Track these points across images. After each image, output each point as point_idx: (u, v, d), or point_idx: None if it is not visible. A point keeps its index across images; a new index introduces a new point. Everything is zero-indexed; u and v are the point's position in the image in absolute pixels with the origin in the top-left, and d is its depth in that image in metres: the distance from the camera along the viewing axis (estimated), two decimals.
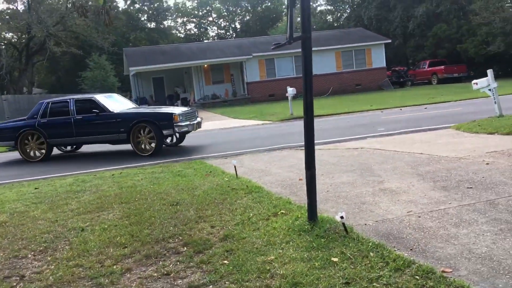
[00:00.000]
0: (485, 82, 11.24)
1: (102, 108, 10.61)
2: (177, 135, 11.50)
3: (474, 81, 11.72)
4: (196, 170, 7.67)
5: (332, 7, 54.61)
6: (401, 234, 3.68)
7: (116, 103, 11.33)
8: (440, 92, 23.50)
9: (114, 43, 43.24)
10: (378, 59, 33.35)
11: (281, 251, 3.58)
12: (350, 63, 33.11)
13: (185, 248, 3.93)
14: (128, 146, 10.88)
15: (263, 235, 4.01)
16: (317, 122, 14.59)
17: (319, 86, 31.08)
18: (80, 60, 41.41)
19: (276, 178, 6.60)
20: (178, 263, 3.62)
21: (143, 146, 10.30)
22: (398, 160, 7.01)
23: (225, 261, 3.49)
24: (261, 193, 5.59)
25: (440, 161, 6.56)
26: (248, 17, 63.56)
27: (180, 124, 10.14)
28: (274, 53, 30.27)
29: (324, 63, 31.97)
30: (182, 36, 63.23)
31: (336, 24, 52.43)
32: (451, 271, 2.86)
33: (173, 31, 63.25)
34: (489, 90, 11.26)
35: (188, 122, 10.43)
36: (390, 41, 35.11)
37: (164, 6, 57.67)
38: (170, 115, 10.14)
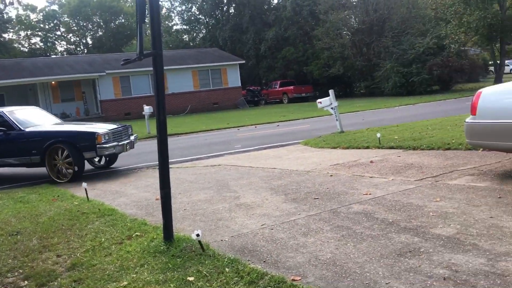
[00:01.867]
0: (328, 101, 12.32)
1: (11, 125, 8.89)
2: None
3: (318, 100, 12.79)
4: (41, 195, 7.02)
5: (188, 27, 55.22)
6: (255, 247, 3.78)
7: (31, 118, 9.58)
8: (291, 111, 25.11)
9: None
10: (233, 78, 34.52)
11: (135, 275, 3.42)
12: (207, 82, 33.73)
13: (26, 281, 3.53)
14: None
15: (116, 260, 3.79)
16: (175, 140, 14.45)
17: (177, 105, 31.05)
18: None
19: (131, 199, 6.35)
20: None
21: (60, 171, 8.68)
22: (253, 175, 7.26)
23: None
24: (114, 215, 5.31)
25: (291, 174, 6.95)
26: (100, 33, 60.98)
27: (104, 145, 8.56)
28: (130, 71, 29.48)
29: (182, 82, 32.09)
30: (26, 50, 58.15)
31: (192, 44, 53.07)
32: (300, 279, 3.01)
33: (16, 45, 57.86)
34: (331, 108, 12.35)
35: (115, 143, 8.83)
36: (244, 61, 36.67)
37: (5, 17, 52.58)
38: (92, 135, 8.60)
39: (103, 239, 4.41)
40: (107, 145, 8.63)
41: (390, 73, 30.03)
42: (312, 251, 3.52)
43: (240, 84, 35.06)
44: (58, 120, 10.31)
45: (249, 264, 3.37)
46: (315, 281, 2.95)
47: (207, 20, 51.72)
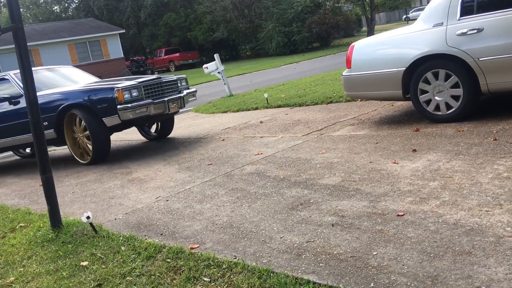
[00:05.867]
0: (214, 66, 12.26)
1: (18, 91, 6.70)
2: (158, 123, 7.64)
3: (205, 65, 12.66)
4: None
5: None
6: (151, 221, 3.70)
7: (53, 80, 7.31)
8: None
9: None
10: (115, 49, 32.89)
11: (22, 269, 3.17)
12: (86, 55, 31.81)
13: None
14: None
15: None
16: None
17: None
18: None
19: (12, 188, 5.86)
20: None
21: (82, 147, 6.60)
22: (144, 147, 7.06)
23: None
24: None
25: (183, 143, 6.87)
26: None
27: (129, 105, 6.05)
28: None
29: (58, 57, 29.86)
30: None
31: (64, 15, 49.31)
32: (198, 246, 3.01)
33: None
34: (218, 73, 12.33)
35: (149, 100, 6.27)
36: (124, 31, 35.04)
37: None
38: (109, 91, 6.12)
39: None
40: (135, 104, 6.10)
41: (272, 34, 30.65)
42: (208, 217, 3.53)
43: (122, 55, 33.57)
44: (95, 79, 7.86)
45: (146, 239, 3.29)
46: (213, 246, 2.98)
47: None
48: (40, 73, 7.39)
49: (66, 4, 51.45)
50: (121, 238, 3.35)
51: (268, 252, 2.75)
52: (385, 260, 2.41)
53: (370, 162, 4.16)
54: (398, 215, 2.91)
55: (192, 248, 2.99)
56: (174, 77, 7.02)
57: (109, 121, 6.18)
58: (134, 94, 6.19)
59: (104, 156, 6.49)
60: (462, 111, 4.86)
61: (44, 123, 6.18)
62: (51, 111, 6.41)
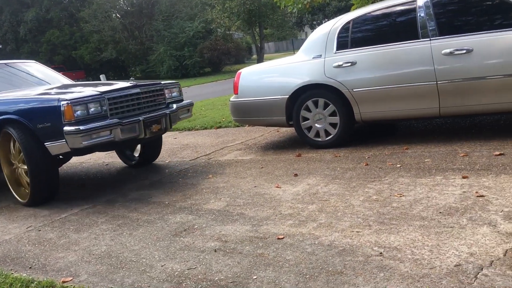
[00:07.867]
0: None
1: None
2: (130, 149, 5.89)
3: None
4: None
5: None
6: (19, 253, 3.37)
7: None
8: None
9: None
10: None
11: None
12: None
13: None
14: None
15: None
16: None
17: None
18: None
19: None
20: None
21: (24, 181, 4.65)
22: None
23: None
24: None
25: (63, 167, 6.44)
26: None
27: (83, 127, 4.05)
28: None
29: None
30: None
31: None
32: (71, 279, 2.80)
33: None
34: None
35: (115, 120, 4.29)
36: (0, 46, 32.37)
37: None
38: (53, 104, 4.12)
39: None
40: (89, 127, 4.10)
41: (164, 57, 30.45)
42: (85, 247, 3.32)
43: None
44: (66, 81, 5.97)
45: (12, 273, 2.99)
46: (88, 278, 2.79)
47: None
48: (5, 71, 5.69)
49: None
50: None
51: (147, 282, 2.65)
52: (264, 283, 2.44)
53: (255, 186, 4.24)
54: (278, 238, 2.98)
55: (64, 282, 2.77)
56: (159, 84, 5.05)
57: (53, 147, 4.23)
58: (93, 110, 4.20)
59: (48, 195, 4.64)
60: (339, 138, 5.19)
61: None
62: None
